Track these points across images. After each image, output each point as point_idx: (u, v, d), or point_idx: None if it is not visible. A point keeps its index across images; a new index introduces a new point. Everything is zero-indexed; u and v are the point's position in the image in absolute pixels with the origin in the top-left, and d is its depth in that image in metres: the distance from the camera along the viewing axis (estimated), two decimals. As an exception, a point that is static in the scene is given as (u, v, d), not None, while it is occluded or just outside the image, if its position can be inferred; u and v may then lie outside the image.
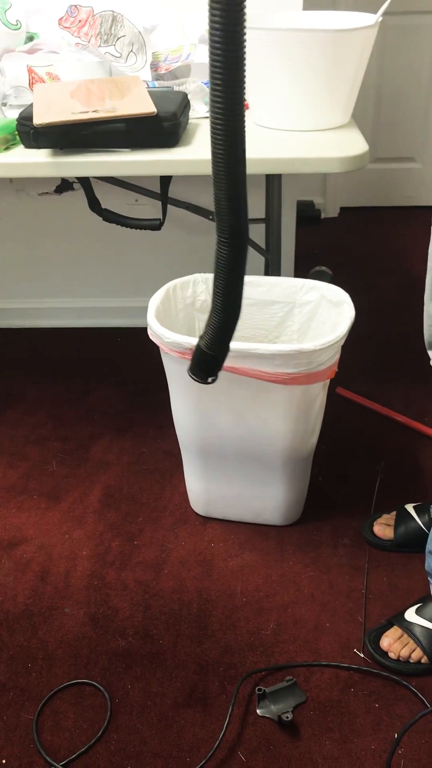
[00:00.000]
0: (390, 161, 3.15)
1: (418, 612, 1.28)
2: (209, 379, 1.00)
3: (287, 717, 1.15)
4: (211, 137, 0.75)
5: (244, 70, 0.70)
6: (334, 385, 1.95)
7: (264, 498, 1.52)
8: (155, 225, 1.58)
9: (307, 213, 3.08)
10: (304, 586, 1.41)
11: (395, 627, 1.28)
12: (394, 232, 3.03)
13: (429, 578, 1.30)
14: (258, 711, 1.19)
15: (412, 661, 1.24)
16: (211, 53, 0.68)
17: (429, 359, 1.36)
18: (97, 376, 2.11)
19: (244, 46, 0.68)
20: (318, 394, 1.40)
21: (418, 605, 1.30)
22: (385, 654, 1.26)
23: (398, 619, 1.29)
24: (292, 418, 1.38)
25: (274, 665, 1.26)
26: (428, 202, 3.24)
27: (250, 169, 1.44)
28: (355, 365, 2.09)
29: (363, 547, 1.50)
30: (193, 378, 1.00)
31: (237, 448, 1.44)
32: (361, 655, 1.28)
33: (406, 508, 1.51)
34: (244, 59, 0.69)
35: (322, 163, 1.35)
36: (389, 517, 1.52)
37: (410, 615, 1.29)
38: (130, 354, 2.20)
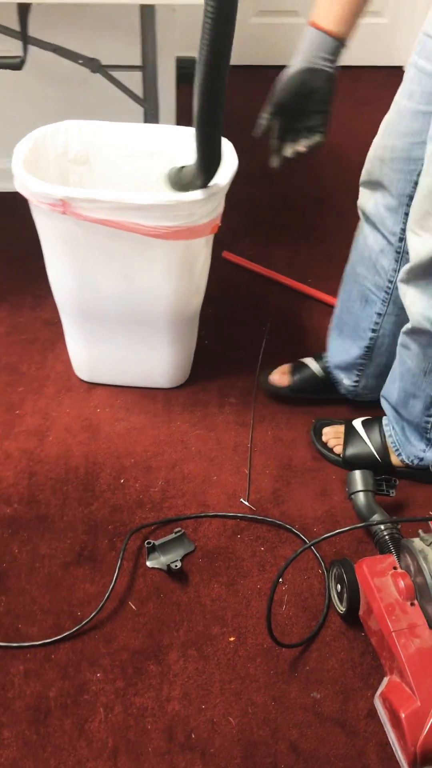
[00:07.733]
0: (274, 14, 2.98)
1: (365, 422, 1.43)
2: None
3: (176, 565, 1.18)
4: None
5: None
6: (220, 249, 1.91)
7: (150, 361, 1.49)
8: (16, 63, 1.43)
9: (190, 70, 2.90)
10: (192, 444, 1.42)
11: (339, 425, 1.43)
12: (279, 93, 2.92)
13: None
14: (147, 563, 1.21)
15: None
16: None
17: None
18: (-33, 245, 1.95)
19: None
20: (201, 250, 1.35)
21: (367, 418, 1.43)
22: (325, 444, 1.42)
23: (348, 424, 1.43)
24: (174, 275, 1.34)
25: (162, 519, 1.28)
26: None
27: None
28: (241, 229, 2.04)
29: (249, 405, 1.51)
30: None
31: (120, 309, 1.39)
32: (247, 504, 1.31)
33: (302, 360, 1.53)
34: None
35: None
36: (285, 367, 1.53)
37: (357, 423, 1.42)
38: (2, 222, 2.04)
